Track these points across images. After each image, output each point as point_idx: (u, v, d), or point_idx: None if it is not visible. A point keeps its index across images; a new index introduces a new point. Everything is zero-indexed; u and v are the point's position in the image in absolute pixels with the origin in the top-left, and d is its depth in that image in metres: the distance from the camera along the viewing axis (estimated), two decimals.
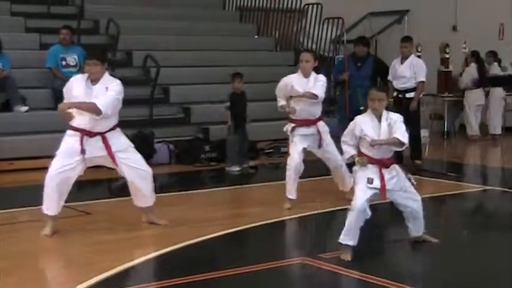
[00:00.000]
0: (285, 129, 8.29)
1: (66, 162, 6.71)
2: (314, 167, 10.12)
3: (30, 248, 6.53)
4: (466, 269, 5.95)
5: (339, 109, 11.73)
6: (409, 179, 6.60)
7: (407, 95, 11.10)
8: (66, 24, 12.24)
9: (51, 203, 6.79)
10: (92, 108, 6.62)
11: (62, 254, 6.54)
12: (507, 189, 9.57)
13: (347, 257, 6.07)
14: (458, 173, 10.73)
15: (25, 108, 11.01)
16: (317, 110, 8.22)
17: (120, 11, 14.20)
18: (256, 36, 16.14)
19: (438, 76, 14.80)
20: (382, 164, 6.17)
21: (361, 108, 11.16)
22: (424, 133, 12.08)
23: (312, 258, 6.16)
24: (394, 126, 6.15)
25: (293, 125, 8.15)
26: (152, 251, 6.32)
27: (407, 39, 11.58)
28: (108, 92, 6.72)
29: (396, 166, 6.30)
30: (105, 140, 6.78)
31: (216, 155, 11.46)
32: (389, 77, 11.48)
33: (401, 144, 6.15)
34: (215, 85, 13.28)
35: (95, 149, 6.77)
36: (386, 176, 6.15)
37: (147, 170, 7.08)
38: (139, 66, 12.96)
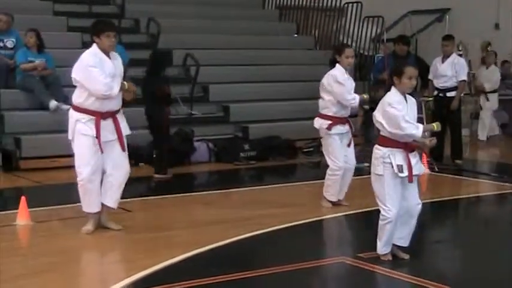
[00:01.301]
0: (318, 126, 8.18)
1: (93, 161, 6.70)
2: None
3: (71, 245, 6.60)
4: (504, 270, 5.89)
5: None
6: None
7: (448, 94, 11.03)
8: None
9: (94, 200, 6.82)
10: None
11: (102, 251, 6.60)
12: None
13: (388, 257, 6.02)
14: (500, 173, 10.60)
15: (67, 106, 11.06)
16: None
17: (161, 10, 14.27)
18: (295, 35, 16.12)
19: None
20: (409, 148, 5.87)
21: None
22: (464, 132, 11.97)
23: (352, 257, 6.15)
24: (414, 109, 5.96)
25: (330, 122, 8.02)
26: (190, 250, 6.33)
27: (448, 37, 11.49)
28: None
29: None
30: (116, 122, 6.78)
31: (255, 154, 11.47)
32: (430, 76, 11.40)
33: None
34: (255, 84, 13.31)
35: (108, 133, 6.75)
36: (412, 161, 5.86)
37: (129, 169, 7.01)
38: (180, 64, 13.02)
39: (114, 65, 6.75)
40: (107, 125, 6.72)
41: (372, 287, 5.76)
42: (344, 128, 8.04)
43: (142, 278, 5.61)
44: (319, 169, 11.07)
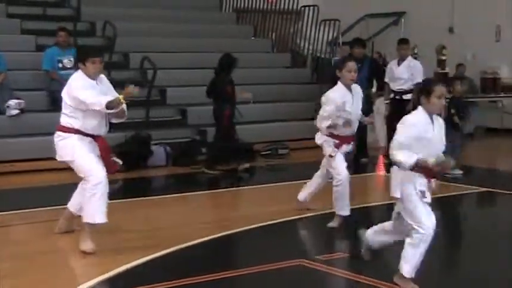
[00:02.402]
0: (320, 142, 7.58)
1: (101, 166, 6.47)
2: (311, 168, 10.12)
3: (30, 250, 6.51)
4: (463, 270, 5.94)
5: None
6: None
7: (405, 97, 11.11)
8: (62, 26, 12.21)
9: (103, 209, 6.49)
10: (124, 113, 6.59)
11: (62, 256, 6.52)
12: (505, 191, 9.57)
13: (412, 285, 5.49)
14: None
15: (16, 111, 10.91)
16: None
17: (117, 13, 14.18)
18: (253, 38, 16.14)
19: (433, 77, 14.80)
20: (428, 174, 5.39)
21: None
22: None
23: (309, 260, 6.15)
24: (442, 131, 5.49)
25: (337, 141, 7.43)
26: (148, 254, 6.29)
27: (404, 41, 11.60)
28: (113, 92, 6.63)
29: None
30: (98, 141, 6.54)
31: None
32: (386, 79, 11.49)
33: None
34: None
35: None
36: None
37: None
38: (136, 68, 12.94)
39: (102, 90, 6.52)
40: (89, 142, 6.51)
41: None
42: (348, 148, 7.51)
43: (101, 282, 5.57)
44: (278, 172, 11.12)
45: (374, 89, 11.97)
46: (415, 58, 12.44)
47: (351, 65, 7.30)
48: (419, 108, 5.41)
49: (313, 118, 13.31)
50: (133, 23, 14.25)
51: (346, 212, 7.46)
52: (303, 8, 16.26)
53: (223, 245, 6.83)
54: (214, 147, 10.98)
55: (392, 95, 11.33)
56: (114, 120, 6.63)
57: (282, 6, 16.39)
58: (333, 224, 7.43)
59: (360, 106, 7.47)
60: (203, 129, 12.19)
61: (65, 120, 6.52)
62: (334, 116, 7.24)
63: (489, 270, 6.10)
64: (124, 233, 7.03)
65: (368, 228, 6.01)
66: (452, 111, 10.34)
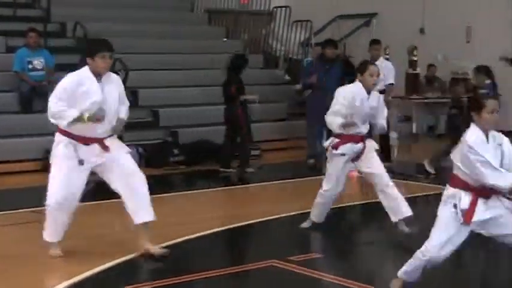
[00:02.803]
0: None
1: (66, 187, 6.08)
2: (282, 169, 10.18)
3: (3, 253, 6.45)
4: (434, 270, 5.95)
5: (309, 112, 11.74)
6: None
7: None
8: (32, 27, 12.10)
9: (57, 230, 6.26)
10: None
11: (32, 258, 6.43)
12: None
13: (397, 285, 5.36)
14: (426, 174, 10.76)
15: None
16: None
17: (88, 14, 14.07)
18: (225, 39, 16.10)
19: (406, 78, 14.86)
20: (484, 193, 5.03)
21: None
22: (393, 135, 12.12)
23: (281, 261, 6.14)
24: (505, 147, 5.04)
25: (337, 140, 7.14)
26: (119, 256, 6.25)
27: (376, 42, 11.64)
28: (125, 97, 6.33)
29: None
30: (102, 145, 6.14)
31: (185, 158, 11.39)
32: None
33: None
34: (184, 88, 13.24)
35: (92, 156, 6.14)
36: (482, 206, 5.05)
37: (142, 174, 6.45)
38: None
39: (105, 90, 6.07)
40: (91, 149, 6.13)
41: None
42: (355, 147, 7.06)
43: (73, 285, 5.53)
44: (250, 173, 11.10)
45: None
46: (387, 59, 12.48)
47: (373, 68, 7.06)
48: (472, 125, 5.02)
49: (286, 119, 13.42)
50: (104, 24, 14.13)
51: (318, 220, 7.32)
52: (275, 9, 16.27)
53: (195, 247, 6.80)
54: (227, 147, 11.12)
55: None
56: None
57: (254, 7, 16.39)
58: (305, 224, 7.40)
59: (375, 107, 7.10)
60: (175, 131, 12.15)
61: None
62: (350, 114, 6.94)
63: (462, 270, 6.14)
64: (96, 236, 6.98)
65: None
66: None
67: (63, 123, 5.98)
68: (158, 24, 14.99)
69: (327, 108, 10.43)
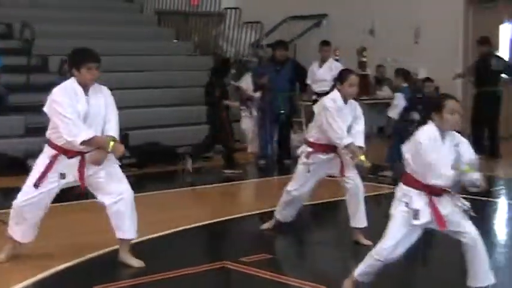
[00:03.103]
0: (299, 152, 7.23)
1: (32, 195, 5.96)
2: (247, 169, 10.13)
3: None
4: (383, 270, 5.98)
5: (259, 114, 11.75)
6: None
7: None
8: None
9: (22, 229, 6.12)
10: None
11: None
12: None
13: (350, 285, 5.34)
14: (377, 174, 10.83)
15: None
16: None
17: (35, 14, 13.86)
18: (175, 41, 16.03)
19: None
20: (434, 192, 5.05)
21: (282, 112, 11.24)
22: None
23: (233, 262, 6.12)
24: (462, 148, 5.08)
25: (310, 150, 7.01)
26: (70, 259, 6.18)
27: (326, 43, 11.71)
28: (113, 111, 6.08)
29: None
30: (82, 162, 5.93)
31: (135, 161, 11.29)
32: (308, 81, 11.57)
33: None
34: (134, 90, 13.13)
35: (70, 173, 5.98)
36: (444, 208, 5.06)
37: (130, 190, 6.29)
38: (55, 72, 12.67)
39: (91, 102, 5.91)
40: (74, 163, 5.93)
41: None
42: (325, 156, 6.89)
43: (36, 283, 5.51)
44: (201, 175, 11.06)
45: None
46: (337, 60, 12.56)
47: (354, 78, 6.88)
48: (430, 123, 5.02)
49: (238, 120, 13.38)
50: (52, 25, 13.96)
51: (283, 219, 7.23)
52: (225, 11, 16.25)
53: (146, 249, 6.73)
54: (226, 149, 11.17)
55: (314, 97, 11.39)
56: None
57: (204, 8, 16.34)
58: (267, 225, 7.33)
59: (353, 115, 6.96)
60: (125, 133, 12.02)
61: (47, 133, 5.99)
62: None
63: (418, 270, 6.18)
64: (43, 240, 6.85)
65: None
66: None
67: (77, 140, 5.73)
68: (108, 25, 14.86)
69: (278, 109, 10.48)
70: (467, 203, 5.10)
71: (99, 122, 5.95)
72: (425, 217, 5.01)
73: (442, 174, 4.90)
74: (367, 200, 6.91)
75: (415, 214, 5.00)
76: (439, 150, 4.95)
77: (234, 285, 5.80)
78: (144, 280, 5.71)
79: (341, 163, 6.81)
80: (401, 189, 5.13)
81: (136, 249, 6.46)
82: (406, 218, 5.05)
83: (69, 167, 5.94)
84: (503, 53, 14.57)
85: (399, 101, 9.97)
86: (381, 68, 15.44)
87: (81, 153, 5.91)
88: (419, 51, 15.44)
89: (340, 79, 6.90)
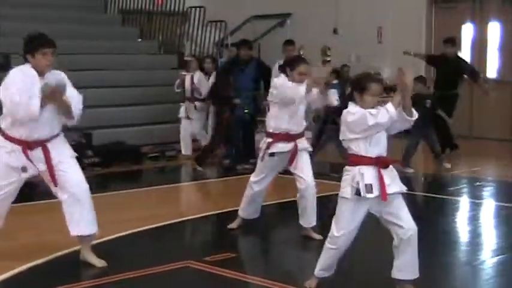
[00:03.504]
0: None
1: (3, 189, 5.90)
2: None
3: None
4: (351, 269, 6.04)
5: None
6: None
7: None
8: None
9: None
10: (69, 111, 5.74)
11: None
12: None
13: (312, 284, 5.44)
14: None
15: None
16: None
17: (1, 12, 13.73)
18: (139, 40, 15.98)
19: None
20: (382, 163, 5.16)
21: (246, 111, 11.26)
22: (307, 135, 12.25)
23: (197, 261, 6.13)
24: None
25: (270, 140, 7.01)
26: (36, 258, 6.16)
27: (290, 42, 11.74)
28: (72, 89, 5.87)
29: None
30: (45, 151, 5.81)
31: (99, 160, 11.23)
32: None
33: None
34: (97, 89, 13.05)
35: (38, 163, 5.85)
36: (387, 178, 5.14)
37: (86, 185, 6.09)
38: None
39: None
40: (36, 156, 5.81)
41: None
42: (286, 146, 6.90)
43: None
44: (165, 174, 11.05)
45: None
46: None
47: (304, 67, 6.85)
48: (351, 103, 5.17)
49: None
50: (14, 23, 13.81)
51: (245, 216, 7.27)
52: (189, 9, 16.23)
53: (110, 248, 6.71)
54: (211, 145, 11.34)
55: None
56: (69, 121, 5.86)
57: (168, 7, 16.30)
58: (233, 224, 7.33)
59: None
60: (88, 132, 11.97)
61: (1, 123, 5.87)
62: None
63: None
64: (9, 239, 6.81)
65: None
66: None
67: (32, 112, 5.51)
68: (71, 24, 14.74)
69: (242, 109, 10.49)
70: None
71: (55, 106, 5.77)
72: (377, 190, 5.06)
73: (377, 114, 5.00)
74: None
75: (369, 189, 5.06)
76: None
77: (197, 284, 5.80)
78: (108, 280, 5.70)
79: (293, 155, 6.84)
80: (348, 170, 5.20)
81: (100, 248, 6.44)
82: (356, 200, 5.12)
83: (32, 160, 5.83)
84: (465, 52, 14.76)
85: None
86: (345, 67, 15.53)
87: (43, 144, 5.81)
88: (382, 50, 15.57)
89: (290, 66, 6.89)
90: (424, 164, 11.90)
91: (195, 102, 11.90)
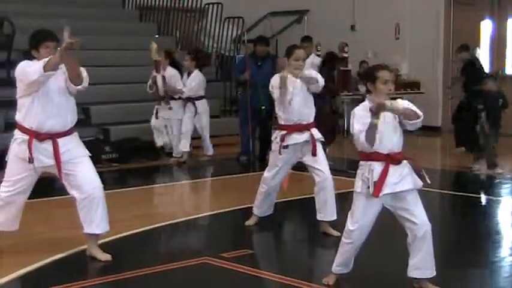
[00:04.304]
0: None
1: (17, 184, 6.03)
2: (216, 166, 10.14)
3: None
4: (366, 264, 6.04)
5: (241, 109, 11.77)
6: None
7: None
8: None
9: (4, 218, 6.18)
10: (79, 73, 5.95)
11: None
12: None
13: (330, 280, 5.46)
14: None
15: None
16: None
17: (16, 9, 13.79)
18: (156, 36, 15.98)
19: (337, 75, 15.01)
20: (391, 159, 5.14)
21: (263, 107, 11.25)
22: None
23: (214, 257, 6.14)
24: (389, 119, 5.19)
25: (284, 132, 7.02)
26: (53, 254, 6.20)
27: (307, 38, 11.73)
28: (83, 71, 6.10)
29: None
30: (55, 145, 5.88)
31: (117, 156, 11.28)
32: None
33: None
34: (115, 85, 13.11)
35: (44, 157, 5.93)
36: (394, 175, 5.14)
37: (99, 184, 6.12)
38: None
39: (51, 80, 5.83)
40: (44, 148, 5.91)
41: (234, 286, 5.75)
42: (301, 137, 6.88)
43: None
44: (182, 170, 11.06)
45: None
46: (318, 55, 12.60)
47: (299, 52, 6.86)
48: (367, 98, 5.24)
49: (218, 116, 13.41)
50: (33, 20, 13.85)
51: (260, 214, 7.28)
52: (207, 6, 16.24)
53: (127, 245, 6.75)
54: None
55: None
56: (74, 88, 5.99)
57: (185, 3, 16.32)
58: (250, 221, 7.34)
59: None
60: (106, 128, 12.02)
61: (16, 116, 5.99)
62: None
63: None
64: (25, 235, 6.85)
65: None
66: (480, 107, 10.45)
67: (43, 70, 5.61)
68: (89, 20, 14.81)
69: (259, 105, 10.46)
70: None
71: (61, 94, 5.95)
72: (387, 189, 5.08)
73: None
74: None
75: (375, 187, 5.08)
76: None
77: (214, 280, 5.81)
78: (125, 276, 5.72)
79: (314, 145, 6.81)
80: (362, 164, 5.22)
81: (118, 244, 6.48)
82: (368, 195, 5.12)
83: (39, 152, 5.91)
84: (483, 49, 14.69)
85: None
86: (364, 63, 15.49)
87: (53, 138, 5.89)
88: (399, 46, 15.53)
89: (287, 54, 6.89)
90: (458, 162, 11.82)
91: (171, 102, 11.46)
